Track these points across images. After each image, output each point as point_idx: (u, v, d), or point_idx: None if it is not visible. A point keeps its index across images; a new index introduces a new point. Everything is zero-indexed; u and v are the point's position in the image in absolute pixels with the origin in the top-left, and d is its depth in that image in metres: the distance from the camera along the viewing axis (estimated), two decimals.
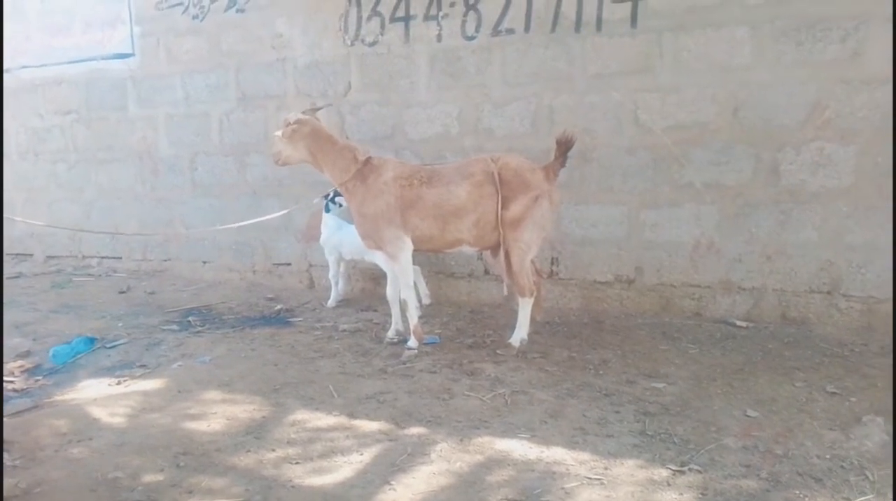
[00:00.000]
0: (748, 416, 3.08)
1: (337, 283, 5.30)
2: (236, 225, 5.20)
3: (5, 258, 7.60)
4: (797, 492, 2.44)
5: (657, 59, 4.50)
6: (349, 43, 5.45)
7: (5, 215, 7.12)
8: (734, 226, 4.48)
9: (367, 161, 4.07)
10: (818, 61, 4.12)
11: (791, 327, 4.34)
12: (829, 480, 2.52)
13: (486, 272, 5.25)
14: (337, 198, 4.98)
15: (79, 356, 4.19)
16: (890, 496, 2.41)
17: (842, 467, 2.61)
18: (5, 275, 6.85)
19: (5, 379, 3.85)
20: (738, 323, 4.43)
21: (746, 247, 4.47)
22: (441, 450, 2.83)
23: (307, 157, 4.16)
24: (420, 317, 4.31)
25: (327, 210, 5.13)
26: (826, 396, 3.28)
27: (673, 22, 4.42)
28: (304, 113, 4.21)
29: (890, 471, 2.54)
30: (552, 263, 5.02)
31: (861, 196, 4.15)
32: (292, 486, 2.59)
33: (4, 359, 4.15)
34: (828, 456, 2.69)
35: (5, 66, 7.19)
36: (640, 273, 4.79)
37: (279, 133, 4.13)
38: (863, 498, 2.40)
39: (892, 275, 4.11)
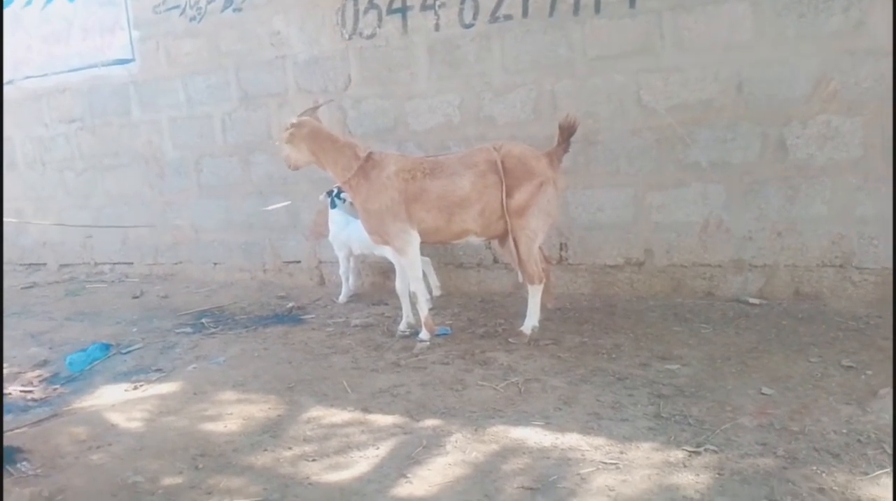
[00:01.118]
0: (763, 394, 3.07)
1: (347, 279, 5.32)
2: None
3: (19, 268, 7.69)
4: (814, 468, 2.43)
5: (658, 39, 4.45)
6: (347, 37, 5.44)
7: (21, 219, 7.20)
8: (743, 203, 4.44)
9: (369, 156, 4.07)
10: (821, 33, 4.06)
11: (805, 303, 4.31)
12: (846, 455, 2.51)
13: (495, 261, 5.25)
14: (342, 194, 4.99)
15: (95, 363, 4.23)
16: None
17: (859, 441, 2.60)
18: (20, 285, 6.93)
19: (24, 388, 3.90)
20: (751, 300, 4.40)
21: (756, 224, 4.44)
22: (456, 441, 2.84)
23: (310, 158, 4.19)
24: (431, 309, 4.32)
25: (333, 206, 5.13)
26: (841, 371, 3.26)
27: (672, 1, 4.36)
28: (303, 114, 4.23)
29: None
30: (561, 249, 5.01)
31: (870, 168, 4.10)
32: (309, 483, 2.61)
33: (22, 369, 4.21)
34: (844, 431, 2.68)
35: (9, 77, 7.23)
36: (650, 255, 4.76)
37: (283, 137, 4.17)
38: (881, 472, 2.38)
39: (892, 251, 4.07)
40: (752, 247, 4.47)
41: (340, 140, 4.19)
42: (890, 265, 4.14)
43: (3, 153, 7.50)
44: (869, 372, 3.20)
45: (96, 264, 7.24)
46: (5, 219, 6.57)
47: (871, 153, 4.08)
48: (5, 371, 4.17)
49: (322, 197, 5.17)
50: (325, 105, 4.55)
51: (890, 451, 2.51)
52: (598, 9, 4.57)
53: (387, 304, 5.09)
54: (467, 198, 3.91)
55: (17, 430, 3.26)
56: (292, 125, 4.13)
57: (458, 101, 5.14)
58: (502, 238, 4.08)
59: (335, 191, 5.02)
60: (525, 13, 4.79)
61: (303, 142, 4.14)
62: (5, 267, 7.70)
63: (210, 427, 3.17)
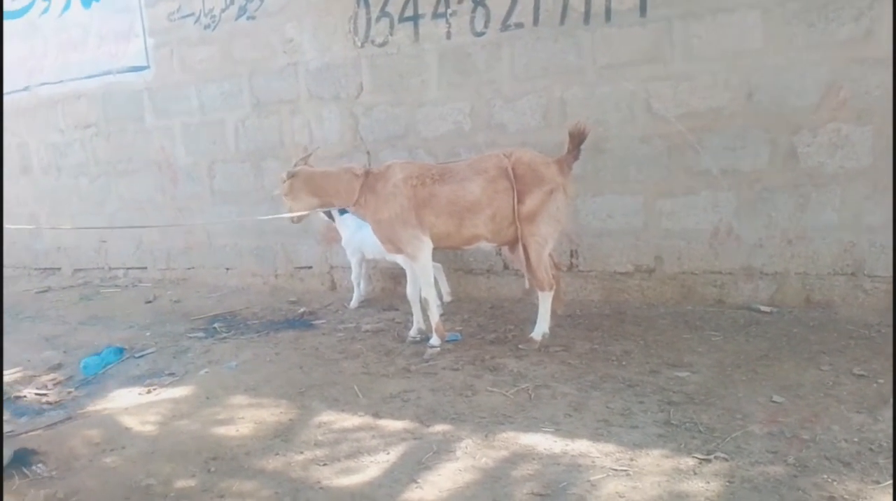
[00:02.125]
0: (774, 402, 3.06)
1: (359, 284, 5.34)
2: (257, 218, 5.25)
3: (34, 272, 7.77)
4: (825, 477, 2.43)
5: (668, 47, 4.47)
6: (359, 44, 5.48)
7: (35, 226, 7.29)
8: (753, 211, 4.44)
9: (367, 173, 4.14)
10: (831, 42, 4.07)
11: (815, 310, 4.30)
12: (857, 464, 2.51)
13: (506, 267, 5.26)
14: None
15: (108, 366, 4.27)
16: None
17: (870, 450, 2.60)
18: (35, 289, 7.01)
19: (39, 391, 3.95)
20: (762, 308, 4.39)
21: (766, 231, 4.43)
22: (466, 447, 2.85)
23: (314, 202, 4.28)
24: (441, 315, 4.34)
25: (343, 212, 5.16)
26: (853, 379, 3.25)
27: (683, 9, 4.38)
28: (296, 164, 4.35)
29: None
30: (571, 256, 5.02)
31: (880, 176, 4.09)
32: (320, 487, 2.63)
33: (37, 372, 4.26)
34: (856, 440, 2.67)
35: (25, 83, 7.33)
36: (660, 262, 4.77)
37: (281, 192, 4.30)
38: (892, 481, 2.38)
39: (892, 257, 4.06)
40: (763, 255, 4.47)
41: (335, 171, 4.30)
42: None
43: (14, 159, 7.60)
44: (881, 381, 3.19)
45: (110, 269, 7.31)
46: (21, 226, 6.66)
47: (881, 161, 4.07)
48: (20, 374, 4.23)
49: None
50: (313, 153, 4.62)
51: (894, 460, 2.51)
52: (608, 17, 4.59)
53: (397, 310, 5.11)
54: (478, 202, 3.93)
55: (32, 433, 3.30)
56: (288, 176, 4.23)
57: (468, 109, 5.17)
58: (512, 244, 4.10)
59: None
60: (536, 21, 4.82)
61: (302, 190, 4.24)
62: (20, 272, 7.80)
63: (222, 431, 3.20)
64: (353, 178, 4.13)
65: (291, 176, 4.23)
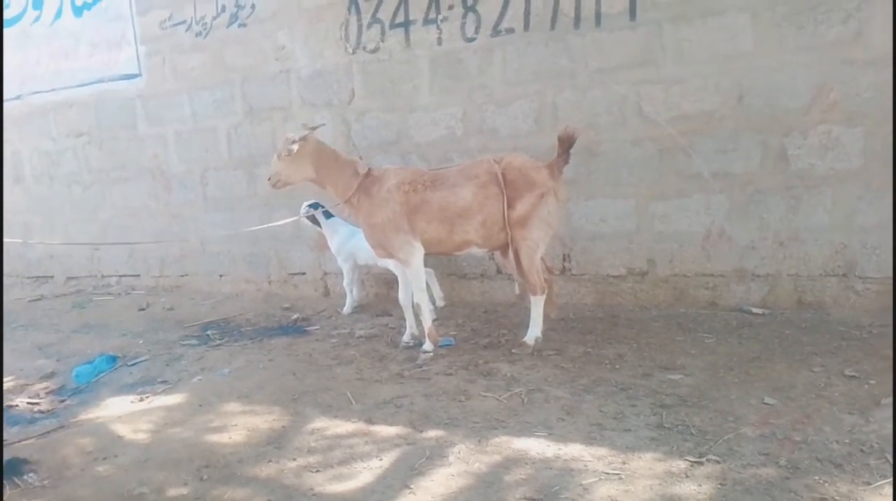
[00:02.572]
0: (766, 404, 3.07)
1: (352, 290, 5.34)
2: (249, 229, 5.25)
3: (27, 281, 7.74)
4: (816, 478, 2.44)
5: (658, 51, 4.49)
6: (351, 51, 5.49)
7: (26, 240, 7.27)
8: (745, 213, 4.46)
9: (368, 173, 4.11)
10: (821, 44, 4.09)
11: (807, 312, 4.31)
12: (848, 465, 2.51)
13: (499, 271, 5.27)
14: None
15: (101, 375, 4.26)
16: None
17: (861, 451, 2.60)
18: (28, 298, 6.99)
19: (31, 400, 3.94)
20: (754, 310, 4.40)
21: (758, 233, 4.45)
22: (459, 452, 2.85)
23: (311, 175, 4.17)
24: (434, 320, 4.35)
25: (328, 216, 5.15)
26: (844, 380, 3.26)
27: (673, 12, 4.41)
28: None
29: None
30: (564, 259, 5.02)
31: (871, 177, 4.11)
32: (313, 494, 2.63)
33: (29, 381, 4.26)
34: (847, 441, 2.68)
35: (17, 92, 7.32)
36: (653, 265, 4.78)
37: (281, 152, 4.13)
38: (883, 482, 2.38)
39: (892, 258, 4.08)
40: (755, 257, 4.48)
41: (342, 157, 4.23)
42: (892, 274, 4.14)
43: (7, 168, 7.59)
44: (872, 382, 3.20)
45: (103, 277, 7.29)
46: (13, 240, 6.64)
47: (872, 162, 4.09)
48: (13, 383, 4.22)
49: (304, 209, 5.17)
50: (322, 127, 4.54)
51: (893, 461, 2.51)
52: (598, 21, 4.61)
53: (391, 315, 5.11)
54: (468, 208, 3.94)
55: (24, 442, 3.29)
56: (299, 139, 4.07)
57: (460, 114, 5.18)
58: (504, 249, 4.10)
59: (316, 204, 5.05)
60: (527, 26, 4.83)
61: (307, 158, 4.11)
62: (13, 280, 7.77)
63: (215, 438, 3.19)
64: (354, 175, 4.11)
65: (303, 139, 4.07)
